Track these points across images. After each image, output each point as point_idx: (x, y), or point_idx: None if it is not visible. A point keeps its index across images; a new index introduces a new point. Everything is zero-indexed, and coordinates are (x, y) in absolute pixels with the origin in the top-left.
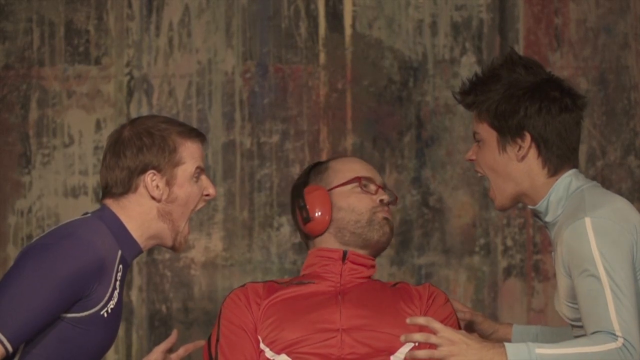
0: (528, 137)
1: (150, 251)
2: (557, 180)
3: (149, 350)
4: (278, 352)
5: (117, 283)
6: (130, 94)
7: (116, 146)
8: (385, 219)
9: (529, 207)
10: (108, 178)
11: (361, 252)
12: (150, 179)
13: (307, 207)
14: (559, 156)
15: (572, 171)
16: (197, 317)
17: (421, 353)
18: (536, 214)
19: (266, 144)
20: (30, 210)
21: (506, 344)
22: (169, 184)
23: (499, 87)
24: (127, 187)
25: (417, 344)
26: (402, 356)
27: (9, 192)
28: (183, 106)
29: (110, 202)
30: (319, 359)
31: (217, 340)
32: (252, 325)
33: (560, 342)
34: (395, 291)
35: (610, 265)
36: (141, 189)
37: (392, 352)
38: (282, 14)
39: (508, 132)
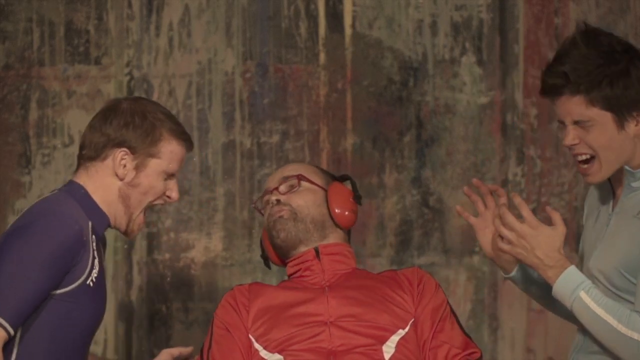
0: None
1: (150, 251)
2: None
3: (149, 350)
4: (272, 351)
5: (95, 252)
6: (130, 94)
7: (108, 112)
8: (279, 216)
9: (626, 167)
10: (87, 138)
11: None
12: (121, 156)
13: (266, 254)
14: None
15: None
16: (197, 317)
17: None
18: (629, 175)
19: (266, 144)
20: None
21: (572, 268)
22: (137, 168)
23: (603, 69)
24: (98, 153)
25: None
26: (394, 345)
27: (9, 192)
28: (183, 106)
29: (80, 173)
30: (311, 354)
31: (210, 347)
32: (241, 325)
33: (608, 301)
34: (382, 280)
35: None
36: (109, 161)
37: (383, 342)
38: (282, 14)
39: (625, 109)
